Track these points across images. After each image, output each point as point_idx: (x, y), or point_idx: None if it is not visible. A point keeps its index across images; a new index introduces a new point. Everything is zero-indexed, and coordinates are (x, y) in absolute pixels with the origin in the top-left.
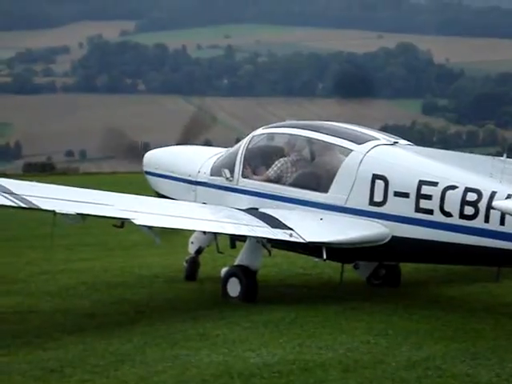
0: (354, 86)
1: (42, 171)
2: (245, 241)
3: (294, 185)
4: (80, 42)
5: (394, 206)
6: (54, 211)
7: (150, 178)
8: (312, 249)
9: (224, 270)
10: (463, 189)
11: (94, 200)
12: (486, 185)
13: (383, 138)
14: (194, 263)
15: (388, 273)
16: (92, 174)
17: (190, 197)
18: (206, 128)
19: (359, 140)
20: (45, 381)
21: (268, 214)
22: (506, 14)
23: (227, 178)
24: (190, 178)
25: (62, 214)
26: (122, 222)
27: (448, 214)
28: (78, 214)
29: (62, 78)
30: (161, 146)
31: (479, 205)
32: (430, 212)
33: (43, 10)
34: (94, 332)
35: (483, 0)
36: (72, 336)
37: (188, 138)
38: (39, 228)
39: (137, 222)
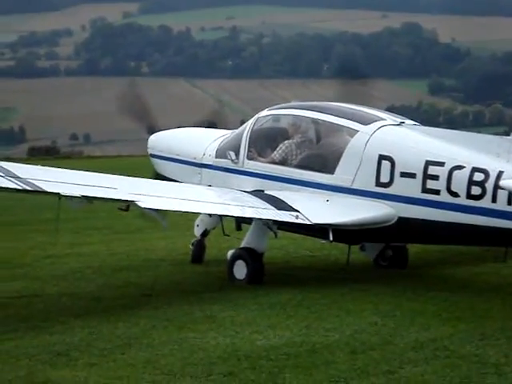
0: (359, 67)
1: (46, 155)
2: (251, 223)
3: (300, 166)
4: (83, 25)
5: (401, 186)
6: (58, 194)
7: (155, 160)
8: (318, 230)
9: (230, 253)
10: (470, 169)
11: (99, 183)
12: (492, 164)
13: (389, 118)
14: (199, 246)
15: (395, 254)
16: (96, 158)
17: (196, 179)
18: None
19: (365, 120)
20: (51, 364)
21: (274, 196)
22: None
23: (232, 160)
24: (195, 161)
25: (67, 197)
26: (128, 205)
27: (455, 195)
28: (83, 196)
29: (65, 61)
30: (165, 129)
31: (486, 185)
32: (437, 192)
33: None
34: (101, 315)
35: None
36: (78, 320)
37: (149, 121)
38: (45, 212)
39: (142, 204)
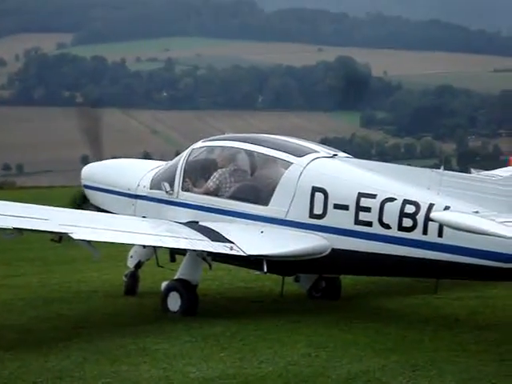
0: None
1: None
2: (185, 254)
3: (234, 198)
4: (17, 55)
5: (334, 218)
6: None
7: (88, 191)
8: (253, 262)
9: (164, 284)
10: (401, 201)
11: (32, 214)
12: (423, 197)
13: (323, 150)
14: (133, 277)
15: (328, 285)
16: (29, 188)
17: (130, 211)
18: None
19: (299, 153)
20: None
21: (208, 227)
22: (445, 28)
23: (167, 192)
24: (129, 192)
25: (0, 229)
26: (60, 237)
27: (387, 226)
28: (15, 228)
29: None
30: (99, 159)
31: (417, 217)
32: (370, 224)
33: None
34: (31, 348)
35: (423, 13)
36: (8, 352)
37: (96, 148)
38: None
39: (75, 236)
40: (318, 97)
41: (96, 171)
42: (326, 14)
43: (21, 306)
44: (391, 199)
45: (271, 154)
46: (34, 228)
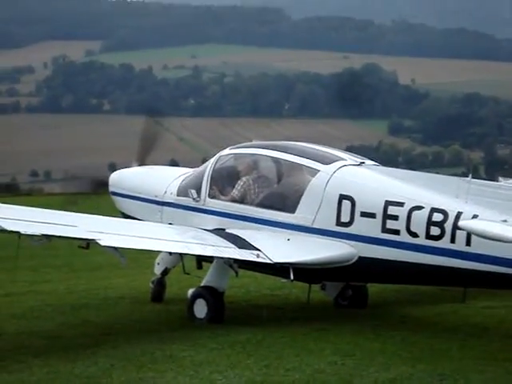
0: (320, 107)
1: (5, 192)
2: (211, 262)
3: (261, 205)
4: (45, 62)
5: (361, 226)
6: (18, 232)
7: (116, 198)
8: (279, 269)
9: (190, 291)
10: (429, 209)
11: (59, 221)
12: (451, 205)
13: (350, 158)
14: (160, 284)
15: (355, 293)
16: (57, 195)
17: (157, 217)
18: (156, 142)
19: (326, 160)
20: None
21: (235, 235)
22: (471, 36)
23: (194, 199)
24: (156, 199)
25: (28, 236)
26: (88, 243)
27: (414, 235)
28: (43, 235)
29: (26, 98)
30: (126, 167)
31: (445, 225)
32: (397, 232)
33: (8, 30)
34: (59, 354)
35: (448, 22)
36: (37, 359)
37: (144, 155)
38: (2, 250)
39: (102, 242)
40: (345, 104)
41: (124, 178)
42: (351, 22)
43: (48, 313)
44: (419, 207)
45: (298, 162)
46: (62, 234)
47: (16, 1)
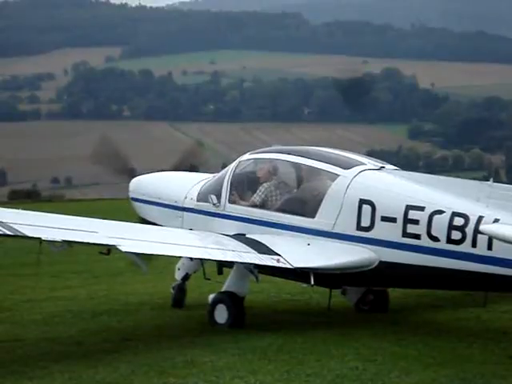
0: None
1: (27, 198)
2: (232, 267)
3: (281, 210)
4: (65, 69)
5: (382, 230)
6: (40, 239)
7: (136, 204)
8: (300, 274)
9: (211, 297)
10: (450, 213)
11: (80, 227)
12: (472, 209)
13: (370, 162)
14: (180, 290)
15: (376, 298)
16: (77, 201)
17: (177, 223)
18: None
19: (346, 165)
20: None
21: (255, 240)
22: (491, 39)
23: (214, 204)
24: (176, 204)
25: (48, 242)
26: (109, 249)
27: (435, 239)
28: (64, 241)
29: (47, 105)
30: (147, 172)
31: (466, 229)
32: (418, 237)
33: (29, 38)
34: (81, 360)
35: (467, 25)
36: (58, 365)
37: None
38: (23, 256)
39: (123, 248)
40: (364, 109)
41: (144, 184)
42: (370, 26)
43: (69, 319)
44: (440, 212)
45: (318, 167)
46: (83, 240)
47: (36, 8)
